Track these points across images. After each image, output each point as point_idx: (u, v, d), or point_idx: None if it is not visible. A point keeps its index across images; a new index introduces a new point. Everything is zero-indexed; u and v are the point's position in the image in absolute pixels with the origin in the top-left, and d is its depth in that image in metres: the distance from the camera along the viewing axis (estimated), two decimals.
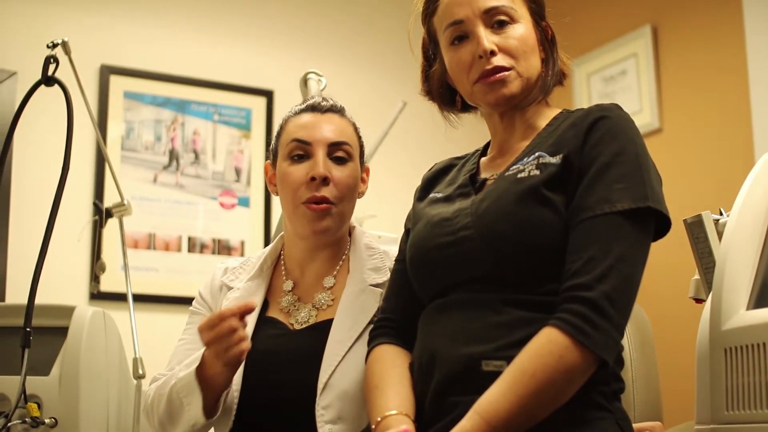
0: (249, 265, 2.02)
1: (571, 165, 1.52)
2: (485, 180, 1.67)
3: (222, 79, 4.29)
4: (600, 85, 4.45)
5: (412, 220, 1.74)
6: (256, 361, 1.83)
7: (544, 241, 1.49)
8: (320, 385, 1.76)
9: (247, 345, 1.70)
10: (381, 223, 3.40)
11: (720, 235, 1.69)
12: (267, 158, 2.03)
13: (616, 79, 4.36)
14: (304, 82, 2.74)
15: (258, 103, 4.35)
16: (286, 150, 1.92)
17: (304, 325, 1.88)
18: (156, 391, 1.87)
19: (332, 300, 1.90)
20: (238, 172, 4.25)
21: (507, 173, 1.59)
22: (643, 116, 4.16)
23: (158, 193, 4.09)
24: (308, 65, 2.89)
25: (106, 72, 4.04)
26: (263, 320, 1.91)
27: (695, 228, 1.72)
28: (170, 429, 1.83)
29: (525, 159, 1.58)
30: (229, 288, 1.98)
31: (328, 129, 1.91)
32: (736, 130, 3.76)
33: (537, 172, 1.53)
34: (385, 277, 1.87)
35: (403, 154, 4.42)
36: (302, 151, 1.90)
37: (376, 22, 4.68)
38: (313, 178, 1.86)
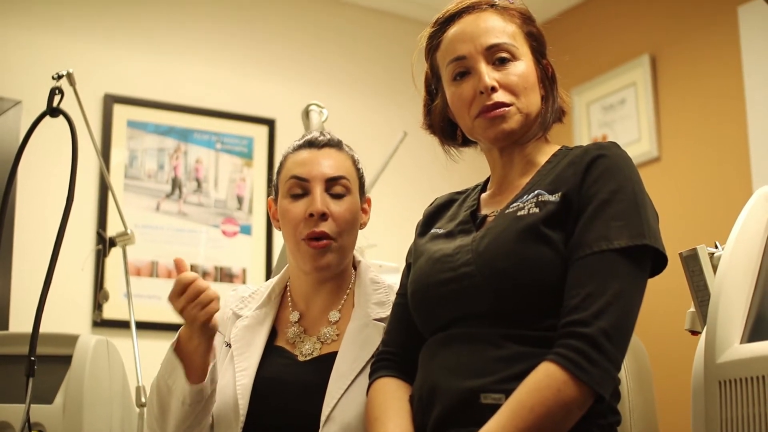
0: (258, 294, 2.04)
1: (569, 203, 1.54)
2: (485, 216, 1.69)
3: (224, 108, 4.32)
4: (599, 113, 4.47)
5: (414, 255, 1.76)
6: (263, 387, 1.85)
7: (543, 277, 1.51)
8: (323, 418, 1.77)
9: (216, 305, 1.76)
10: (382, 252, 3.40)
11: (715, 268, 1.70)
12: (269, 194, 2.05)
13: (615, 107, 4.39)
14: (306, 113, 2.76)
15: (260, 132, 4.37)
16: (286, 187, 1.95)
17: (308, 357, 1.90)
18: (148, 398, 1.91)
19: (337, 335, 1.92)
20: (240, 200, 4.27)
21: (507, 211, 1.61)
22: (641, 145, 4.19)
23: (161, 221, 4.11)
24: (310, 94, 2.91)
25: (110, 101, 4.06)
26: (271, 349, 1.93)
27: (691, 261, 1.74)
28: (164, 425, 1.85)
29: (524, 197, 1.60)
30: (238, 316, 2.00)
31: (325, 165, 1.94)
32: (734, 159, 3.79)
33: (536, 210, 1.55)
34: (389, 311, 1.87)
35: (403, 183, 4.44)
36: (301, 189, 1.93)
37: (378, 52, 4.72)
38: (311, 215, 1.89)
